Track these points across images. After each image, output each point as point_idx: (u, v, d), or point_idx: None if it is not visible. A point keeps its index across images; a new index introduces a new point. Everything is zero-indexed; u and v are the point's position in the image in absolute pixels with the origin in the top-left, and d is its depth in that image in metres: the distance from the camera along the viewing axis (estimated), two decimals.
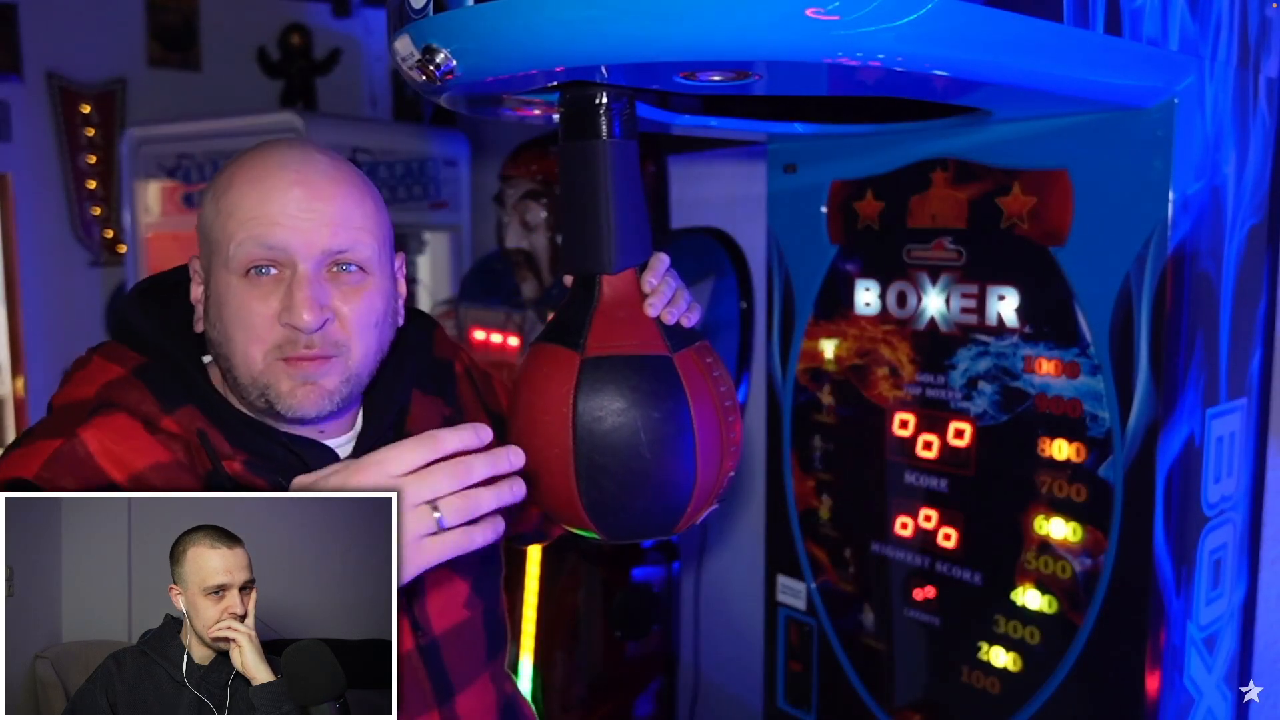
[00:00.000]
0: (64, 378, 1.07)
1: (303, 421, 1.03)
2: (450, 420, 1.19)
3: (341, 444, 1.10)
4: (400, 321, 1.12)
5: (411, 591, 1.09)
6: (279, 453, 1.04)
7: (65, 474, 0.96)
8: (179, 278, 1.13)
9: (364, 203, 1.04)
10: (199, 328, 1.06)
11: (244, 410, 1.06)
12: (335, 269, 1.01)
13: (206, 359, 1.10)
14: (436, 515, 0.88)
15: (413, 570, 0.88)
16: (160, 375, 1.03)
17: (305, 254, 0.99)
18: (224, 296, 1.00)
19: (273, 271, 0.99)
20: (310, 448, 1.06)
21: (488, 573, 1.20)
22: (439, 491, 0.88)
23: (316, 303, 0.98)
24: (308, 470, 1.01)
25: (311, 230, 0.99)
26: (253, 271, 0.99)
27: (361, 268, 1.03)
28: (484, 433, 0.90)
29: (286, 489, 1.01)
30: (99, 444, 0.98)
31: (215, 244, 1.01)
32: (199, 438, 1.01)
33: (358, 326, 1.02)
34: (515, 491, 0.91)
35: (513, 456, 0.91)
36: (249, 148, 1.05)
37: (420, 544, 0.88)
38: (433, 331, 1.26)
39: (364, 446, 1.10)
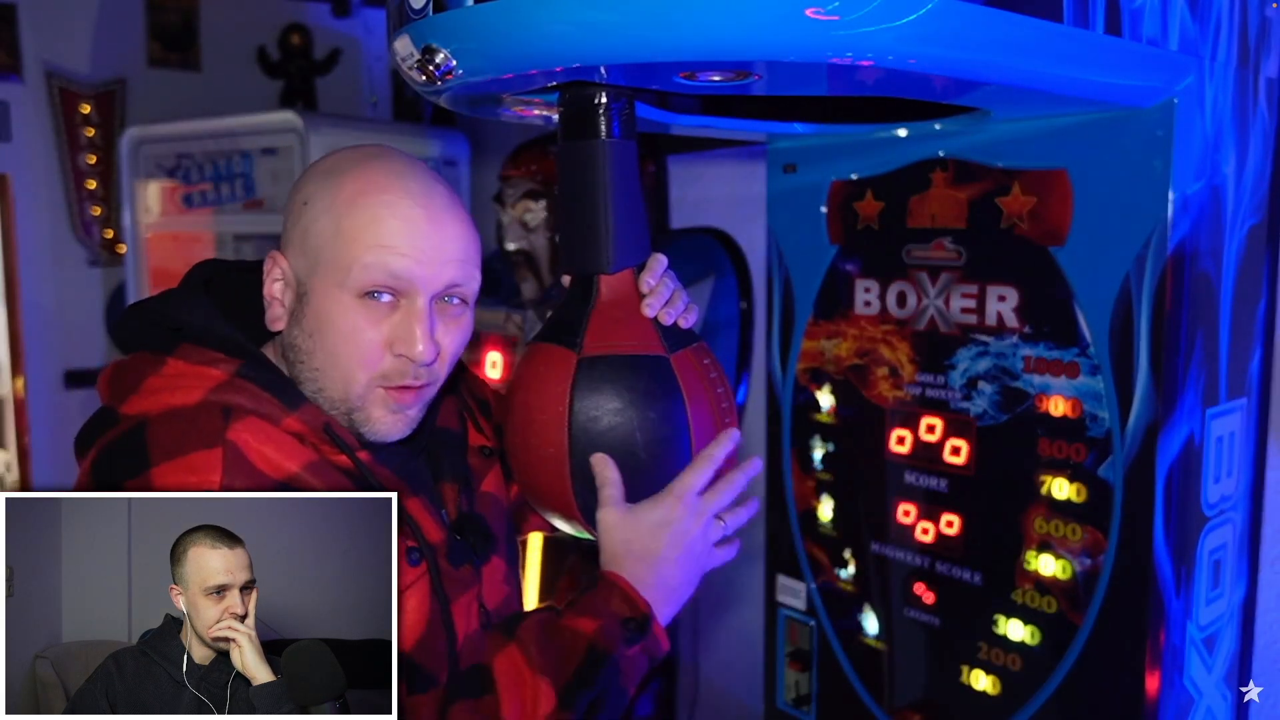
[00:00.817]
0: (123, 384, 1.00)
1: (376, 445, 1.04)
2: (464, 410, 1.21)
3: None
4: None
5: (480, 576, 1.12)
6: (383, 450, 1.04)
7: (243, 480, 0.93)
8: (222, 272, 1.11)
9: (473, 235, 1.06)
10: (275, 326, 1.04)
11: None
12: (443, 301, 1.03)
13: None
14: (721, 524, 1.10)
15: (701, 573, 1.11)
16: (265, 376, 1.01)
17: (427, 287, 1.00)
18: (333, 314, 0.99)
19: (388, 298, 0.99)
20: (390, 445, 1.06)
21: (514, 553, 1.23)
22: (723, 505, 1.10)
23: (431, 338, 1.00)
24: (401, 465, 1.05)
25: (436, 264, 1.00)
26: (369, 295, 0.99)
27: (464, 301, 1.05)
28: (735, 436, 1.11)
29: (405, 479, 1.03)
30: (250, 447, 0.96)
31: (330, 261, 0.99)
32: (326, 431, 0.99)
33: (452, 359, 1.05)
34: (752, 507, 1.15)
35: (755, 467, 1.13)
36: (360, 159, 1.03)
37: (714, 552, 1.11)
38: None
39: (418, 443, 1.11)
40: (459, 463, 1.15)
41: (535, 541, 2.43)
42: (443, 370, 1.04)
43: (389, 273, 0.98)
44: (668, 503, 1.07)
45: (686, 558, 1.08)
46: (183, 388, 0.98)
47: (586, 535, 1.14)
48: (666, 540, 1.06)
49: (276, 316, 1.04)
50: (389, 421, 1.02)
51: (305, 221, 1.01)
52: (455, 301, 1.04)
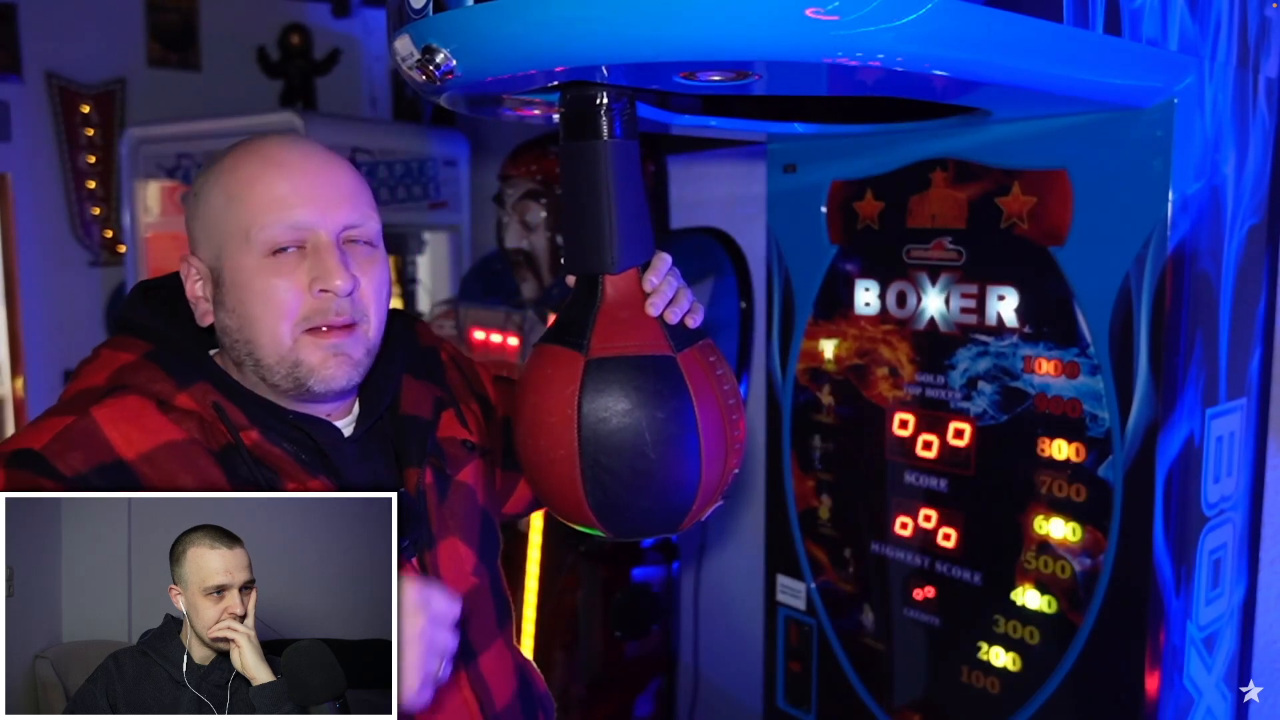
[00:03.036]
0: (72, 374, 1.09)
1: (328, 395, 1.06)
2: (442, 402, 1.22)
3: (343, 425, 1.13)
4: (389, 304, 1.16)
5: (424, 561, 1.12)
6: (287, 430, 1.06)
7: (74, 447, 0.97)
8: (178, 280, 1.15)
9: (360, 181, 1.10)
10: (206, 321, 1.08)
11: (254, 391, 1.08)
12: (349, 243, 1.06)
13: (212, 351, 1.12)
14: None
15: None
16: (171, 357, 1.06)
17: (326, 227, 1.03)
18: (245, 279, 1.02)
19: (293, 250, 1.03)
20: (318, 425, 1.08)
21: (489, 546, 1.23)
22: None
23: (346, 268, 1.02)
24: (318, 447, 1.06)
25: (329, 206, 1.03)
26: (275, 253, 1.02)
27: (369, 243, 1.08)
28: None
29: (301, 461, 1.04)
30: (110, 422, 0.99)
31: (228, 231, 1.03)
32: (215, 409, 1.03)
33: (374, 295, 1.07)
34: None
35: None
36: (236, 143, 1.09)
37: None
38: (414, 325, 1.31)
39: (363, 427, 1.13)
40: (425, 448, 1.15)
41: (535, 541, 2.43)
42: (370, 310, 1.06)
43: (287, 225, 1.01)
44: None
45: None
46: (95, 371, 1.05)
47: (598, 533, 1.14)
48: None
49: (204, 312, 1.08)
50: (331, 365, 1.03)
51: (199, 210, 1.06)
52: (361, 243, 1.07)
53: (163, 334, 1.08)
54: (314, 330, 1.03)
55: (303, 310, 1.02)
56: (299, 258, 1.02)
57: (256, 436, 1.04)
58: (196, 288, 1.07)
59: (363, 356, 1.06)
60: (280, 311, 1.02)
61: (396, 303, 3.36)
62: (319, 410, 1.10)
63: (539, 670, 1.33)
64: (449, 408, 1.23)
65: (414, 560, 1.10)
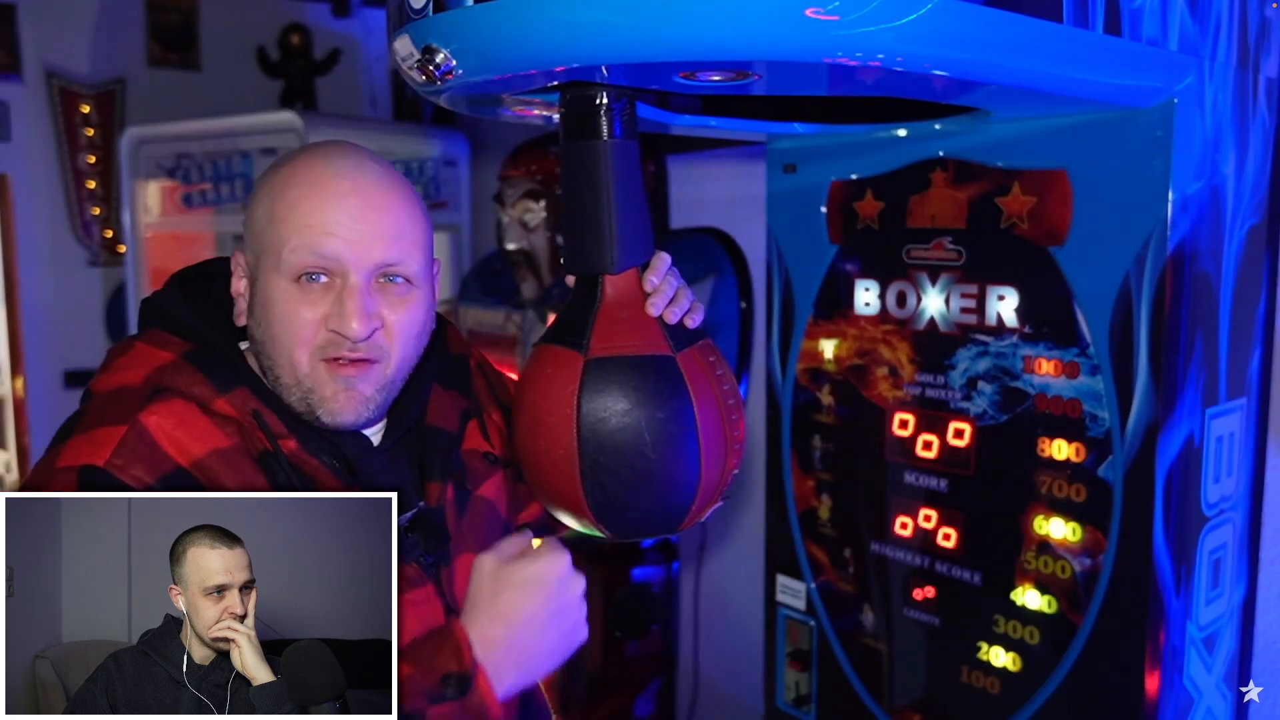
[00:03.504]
0: (103, 365, 1.06)
1: (339, 429, 1.04)
2: (467, 413, 1.20)
3: (371, 435, 1.11)
4: (432, 327, 1.13)
5: (440, 576, 1.11)
6: (318, 438, 1.05)
7: (135, 460, 0.95)
8: (217, 269, 1.14)
9: (414, 214, 1.05)
10: (240, 321, 1.07)
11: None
12: (384, 280, 1.03)
13: (243, 345, 1.11)
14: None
15: (567, 649, 1.11)
16: (210, 359, 1.04)
17: (357, 265, 1.00)
18: (272, 299, 1.01)
19: (323, 279, 1.00)
20: (346, 435, 1.06)
21: None
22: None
23: (365, 312, 0.99)
24: (345, 457, 1.05)
25: (364, 242, 1.00)
26: (304, 278, 1.00)
27: (409, 280, 1.04)
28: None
29: (335, 470, 1.04)
30: (161, 429, 0.98)
31: (266, 246, 1.01)
32: (254, 417, 1.01)
33: (401, 336, 1.04)
34: None
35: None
36: (300, 150, 1.06)
37: (580, 627, 1.12)
38: (446, 330, 1.28)
39: (391, 439, 1.11)
40: (449, 462, 1.14)
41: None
42: (394, 349, 1.04)
43: (316, 253, 0.99)
44: (545, 561, 1.06)
45: (553, 624, 1.07)
46: (135, 367, 1.03)
47: (598, 534, 1.14)
48: (535, 601, 1.05)
49: (240, 311, 1.06)
50: (341, 399, 1.01)
51: (250, 212, 1.04)
52: (399, 280, 1.04)
53: (199, 331, 1.06)
54: (331, 360, 1.01)
55: (318, 341, 1.00)
56: (327, 288, 1.00)
57: (294, 445, 1.02)
58: (240, 285, 1.06)
59: (375, 393, 1.03)
60: (298, 339, 1.00)
61: None
62: None
63: (542, 693, 1.32)
64: (473, 418, 1.21)
65: (431, 577, 1.09)
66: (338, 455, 1.05)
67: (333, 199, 1.00)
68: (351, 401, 1.02)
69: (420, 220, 1.06)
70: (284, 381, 1.02)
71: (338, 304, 0.99)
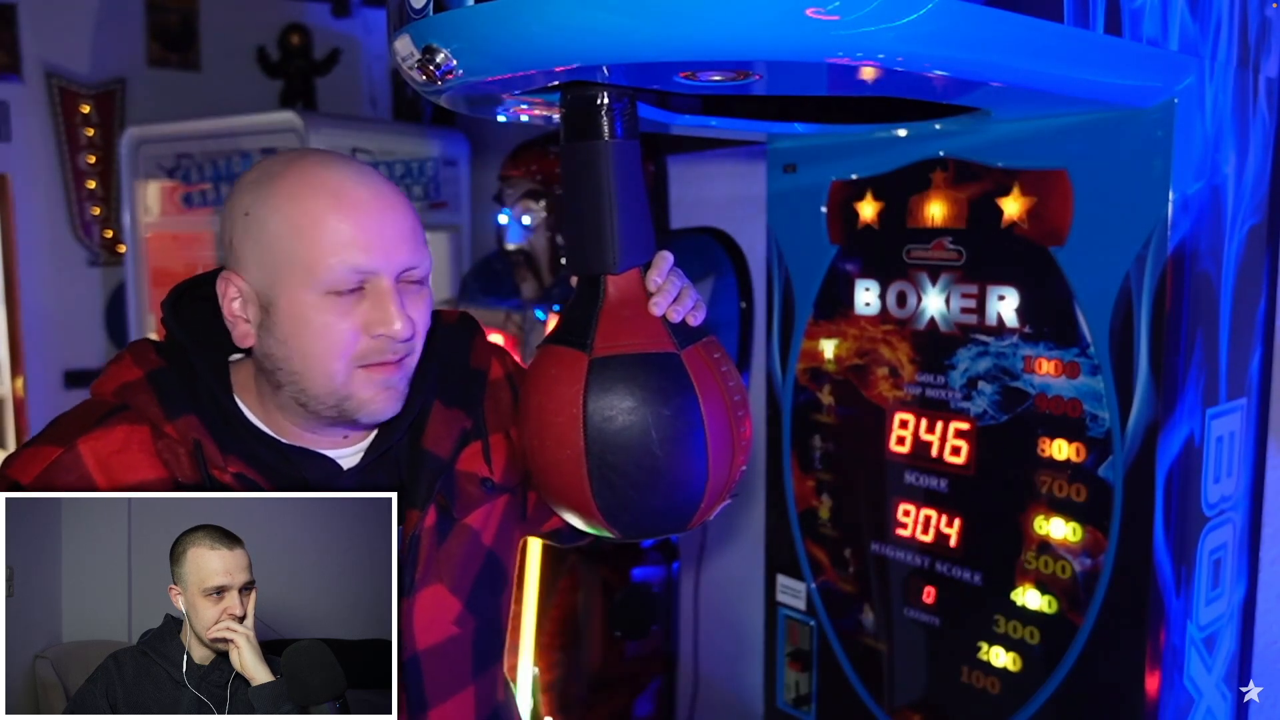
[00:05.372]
0: (104, 367, 1.10)
1: (374, 425, 1.09)
2: (468, 434, 1.18)
3: (347, 455, 1.11)
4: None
5: (402, 606, 1.10)
6: (276, 462, 1.05)
7: (60, 483, 0.99)
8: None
9: (417, 220, 1.08)
10: (246, 343, 1.05)
11: (255, 419, 1.07)
12: (404, 283, 1.05)
13: (235, 357, 1.11)
14: None
15: None
16: (170, 382, 1.05)
17: (388, 270, 1.02)
18: (304, 315, 1.01)
19: (354, 288, 1.02)
20: (309, 459, 1.07)
21: (489, 589, 1.20)
22: None
23: (405, 314, 1.02)
24: (304, 482, 1.05)
25: (392, 249, 1.02)
26: (337, 291, 1.01)
27: (421, 281, 1.07)
28: None
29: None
30: (94, 456, 1.00)
31: (289, 264, 1.00)
32: (194, 446, 1.03)
33: (423, 332, 1.08)
34: None
35: None
36: (286, 161, 1.05)
37: None
38: (472, 339, 1.26)
39: (373, 456, 1.11)
40: (433, 489, 1.12)
41: (535, 541, 2.43)
42: (417, 346, 1.07)
43: (353, 269, 1.00)
44: None
45: None
46: (113, 377, 1.07)
47: (607, 534, 1.13)
48: None
49: (244, 334, 1.05)
50: (380, 399, 1.04)
51: (254, 233, 1.02)
52: (415, 283, 1.07)
53: (177, 351, 1.08)
54: (371, 366, 1.03)
55: (359, 349, 1.02)
56: (358, 298, 1.02)
57: (229, 479, 1.03)
58: (235, 306, 1.04)
59: (406, 386, 1.08)
60: (337, 350, 1.01)
61: None
62: (336, 435, 1.09)
63: (517, 712, 1.31)
64: (475, 440, 1.19)
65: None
66: (289, 483, 1.05)
67: (355, 211, 1.01)
68: (390, 400, 1.05)
69: (420, 222, 1.09)
70: (313, 392, 1.03)
71: (377, 310, 1.01)
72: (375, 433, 1.12)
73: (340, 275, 1.00)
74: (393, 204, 1.04)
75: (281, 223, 1.00)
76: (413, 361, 1.07)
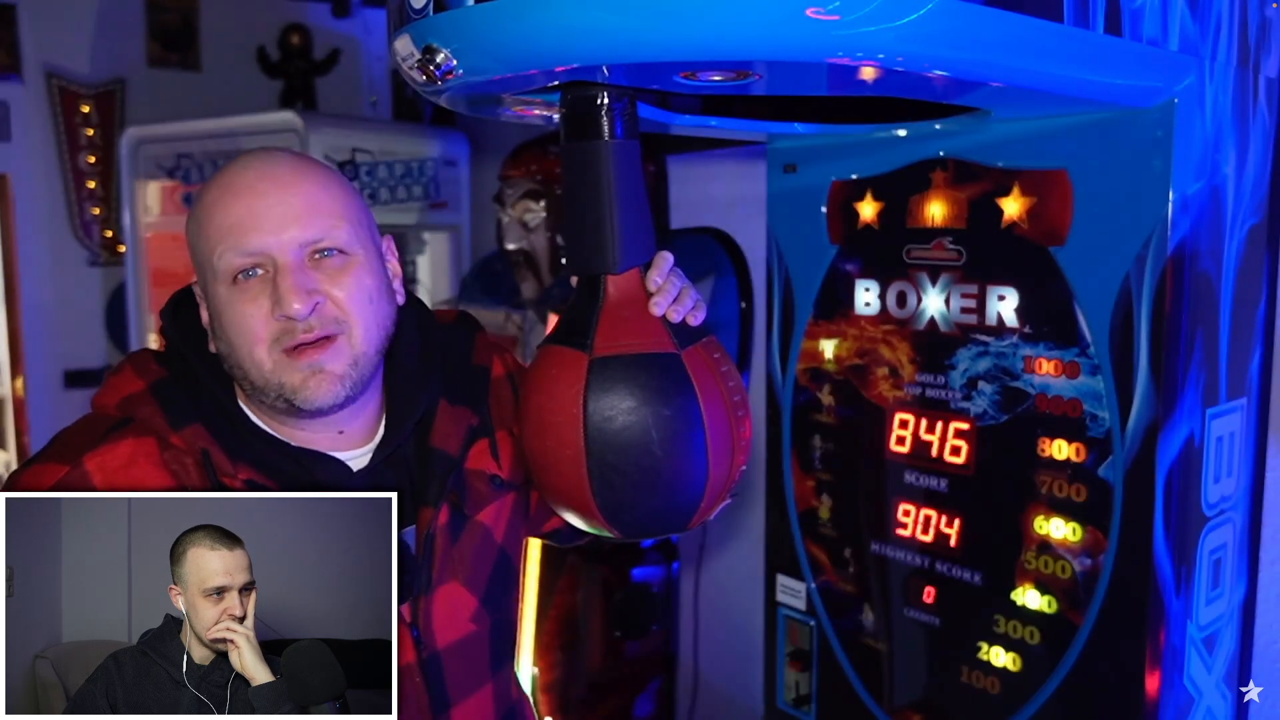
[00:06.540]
0: (104, 378, 1.10)
1: (321, 412, 1.04)
2: (475, 431, 1.18)
3: (357, 456, 1.10)
4: (400, 300, 1.13)
5: (416, 607, 1.10)
6: (287, 466, 1.05)
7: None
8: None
9: (330, 189, 1.06)
10: (213, 348, 1.07)
11: (261, 423, 1.07)
12: (317, 257, 1.03)
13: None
14: None
15: None
16: (174, 392, 1.05)
17: (280, 248, 1.01)
18: (220, 308, 1.03)
19: (258, 273, 1.02)
20: (321, 461, 1.06)
21: (502, 586, 1.20)
22: None
23: (302, 289, 1.00)
24: (314, 484, 1.05)
25: (281, 226, 1.01)
26: (240, 277, 1.02)
27: (342, 250, 1.05)
28: None
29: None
30: (101, 473, 1.00)
31: (201, 261, 1.04)
32: (202, 455, 1.02)
33: (352, 304, 1.04)
34: None
35: None
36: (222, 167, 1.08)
37: None
38: (473, 337, 1.26)
39: (382, 456, 1.11)
40: (445, 487, 1.13)
41: (535, 541, 2.43)
42: (352, 319, 1.04)
43: (241, 251, 1.01)
44: None
45: None
46: (115, 390, 1.06)
47: (606, 534, 1.14)
48: None
49: (212, 338, 1.07)
50: (312, 385, 1.01)
51: (189, 241, 1.07)
52: (332, 254, 1.04)
53: (178, 359, 1.08)
54: (290, 350, 1.01)
55: (270, 333, 1.01)
56: (263, 281, 1.01)
57: (239, 485, 1.03)
58: (204, 314, 1.08)
59: (347, 369, 1.03)
60: (252, 337, 1.01)
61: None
62: (331, 432, 1.08)
63: (533, 710, 1.31)
64: (483, 437, 1.19)
65: (404, 607, 1.09)
66: (300, 486, 1.04)
67: (243, 195, 1.02)
68: (323, 383, 1.02)
69: (339, 193, 1.07)
70: (255, 384, 1.03)
71: (273, 291, 1.00)
72: (382, 433, 1.12)
73: (230, 261, 1.01)
74: (286, 183, 1.03)
75: (193, 223, 1.05)
76: (350, 339, 1.04)
